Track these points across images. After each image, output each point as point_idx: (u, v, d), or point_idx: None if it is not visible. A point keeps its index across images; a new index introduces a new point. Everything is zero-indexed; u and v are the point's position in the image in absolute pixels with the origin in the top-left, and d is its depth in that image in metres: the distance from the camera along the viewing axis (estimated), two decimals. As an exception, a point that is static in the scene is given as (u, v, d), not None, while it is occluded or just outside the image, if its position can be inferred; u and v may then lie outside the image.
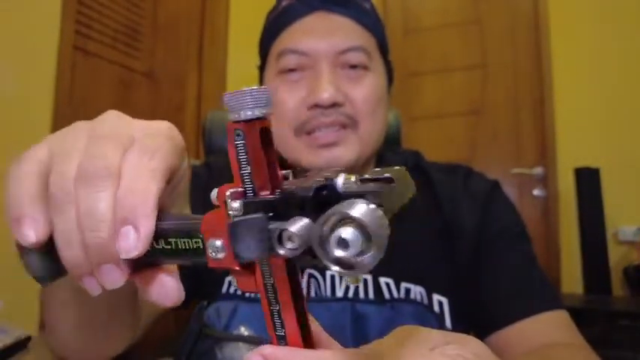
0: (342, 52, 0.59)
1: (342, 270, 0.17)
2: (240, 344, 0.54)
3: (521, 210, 0.67)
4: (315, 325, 0.24)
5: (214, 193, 0.22)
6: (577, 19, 2.19)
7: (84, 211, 0.22)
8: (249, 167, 0.20)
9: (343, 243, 0.16)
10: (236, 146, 0.20)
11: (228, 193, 0.21)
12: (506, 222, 0.62)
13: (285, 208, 0.19)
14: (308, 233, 0.18)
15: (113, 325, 0.43)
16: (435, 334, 0.25)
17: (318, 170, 0.21)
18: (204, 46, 2.18)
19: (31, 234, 0.23)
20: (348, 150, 0.59)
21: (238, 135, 0.20)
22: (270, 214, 0.20)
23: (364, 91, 0.60)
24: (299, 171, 0.22)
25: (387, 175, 0.19)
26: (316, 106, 0.58)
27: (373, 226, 0.16)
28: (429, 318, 0.55)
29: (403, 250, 0.58)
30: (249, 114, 0.19)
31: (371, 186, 0.18)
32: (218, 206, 0.21)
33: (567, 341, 0.53)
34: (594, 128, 2.10)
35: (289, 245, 0.18)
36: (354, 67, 0.60)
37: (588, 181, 1.88)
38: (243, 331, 0.55)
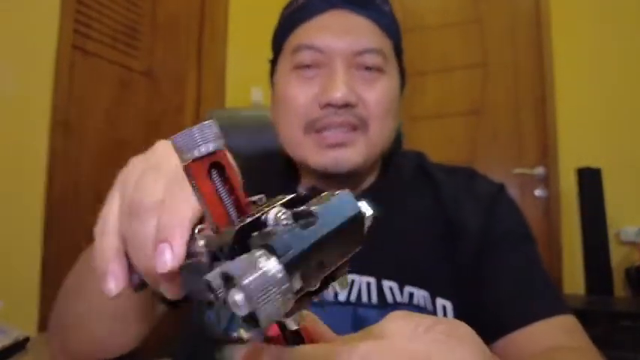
0: (358, 53, 0.59)
1: (247, 326, 0.17)
2: (240, 347, 0.54)
3: (523, 210, 0.66)
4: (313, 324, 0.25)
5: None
6: (578, 18, 2.19)
7: (139, 241, 0.27)
8: (205, 205, 0.20)
9: (235, 305, 0.16)
10: (192, 186, 0.20)
11: (196, 231, 0.22)
12: (511, 224, 0.62)
13: (224, 247, 0.19)
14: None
15: (136, 317, 0.47)
16: (425, 317, 0.24)
17: (275, 197, 0.21)
18: (203, 45, 2.17)
19: (112, 288, 0.28)
20: (356, 152, 0.58)
21: (189, 175, 0.20)
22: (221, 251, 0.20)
23: (377, 93, 0.59)
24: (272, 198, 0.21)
25: (312, 209, 0.18)
26: (328, 105, 0.57)
27: (257, 293, 0.16)
28: None
29: (407, 253, 0.58)
30: (195, 154, 0.19)
31: (279, 232, 0.18)
32: None
33: (575, 345, 0.52)
34: (596, 128, 2.10)
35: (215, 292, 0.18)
36: (368, 68, 0.59)
37: (590, 181, 1.87)
38: (243, 333, 0.54)
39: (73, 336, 0.49)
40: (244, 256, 0.17)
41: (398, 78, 0.65)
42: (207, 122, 0.20)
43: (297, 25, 0.62)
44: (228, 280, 0.17)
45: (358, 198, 0.21)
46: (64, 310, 0.49)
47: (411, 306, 0.55)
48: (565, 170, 2.09)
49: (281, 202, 0.20)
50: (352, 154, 0.58)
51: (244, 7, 2.29)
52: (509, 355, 0.54)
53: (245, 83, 2.26)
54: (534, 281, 0.58)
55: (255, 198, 0.21)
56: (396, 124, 0.64)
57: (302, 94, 0.59)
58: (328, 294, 0.56)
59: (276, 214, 0.19)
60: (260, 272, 0.16)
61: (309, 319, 0.25)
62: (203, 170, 0.20)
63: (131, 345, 0.50)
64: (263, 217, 0.19)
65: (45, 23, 1.46)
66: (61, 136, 1.50)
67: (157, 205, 0.27)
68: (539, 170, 2.19)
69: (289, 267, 0.17)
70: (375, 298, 0.55)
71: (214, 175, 0.20)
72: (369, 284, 0.56)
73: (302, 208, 0.19)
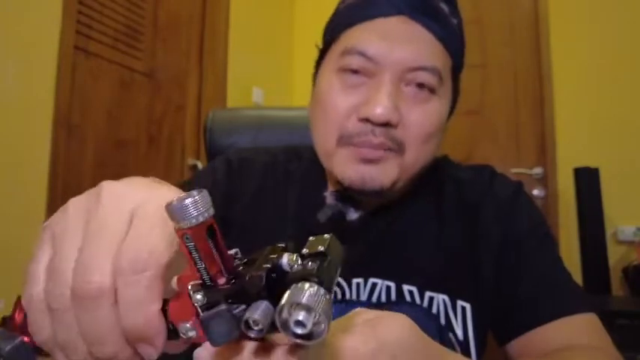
0: (412, 69, 0.54)
1: (304, 341, 0.21)
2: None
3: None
4: None
5: (174, 280, 0.25)
6: (577, 19, 2.20)
7: (86, 330, 0.24)
8: (202, 263, 0.23)
9: (301, 324, 0.21)
10: (187, 247, 0.23)
11: (189, 287, 0.23)
12: (529, 224, 0.61)
13: (242, 294, 0.23)
14: (270, 315, 0.22)
15: None
16: (362, 315, 0.25)
17: (263, 251, 0.25)
18: (204, 46, 2.19)
19: (38, 339, 0.26)
20: (386, 172, 0.54)
21: (187, 239, 0.22)
22: (229, 300, 0.23)
23: (422, 116, 0.54)
24: (250, 258, 0.25)
25: (320, 250, 0.24)
26: (367, 120, 0.53)
27: (318, 307, 0.21)
28: (428, 323, 0.55)
29: (427, 258, 0.58)
30: (194, 222, 0.22)
31: (310, 266, 0.23)
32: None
33: (594, 344, 0.51)
34: (594, 128, 2.11)
35: (256, 328, 0.22)
36: (420, 85, 0.54)
37: (587, 180, 1.89)
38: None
39: None
40: (294, 288, 0.22)
41: (449, 101, 0.60)
42: (200, 192, 0.22)
43: (353, 23, 0.57)
44: (285, 309, 0.21)
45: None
46: None
47: (412, 305, 0.56)
48: (563, 170, 2.10)
49: (271, 255, 0.24)
50: (382, 173, 0.54)
51: (245, 8, 2.30)
52: (526, 353, 0.54)
53: (246, 83, 2.27)
54: (553, 280, 0.57)
55: (232, 252, 0.25)
56: (436, 148, 0.59)
57: (343, 102, 0.55)
58: (351, 296, 0.56)
59: (288, 258, 0.24)
60: (316, 292, 0.21)
61: None
62: (202, 234, 0.23)
63: None
64: (277, 263, 0.24)
65: (47, 24, 1.47)
66: (63, 137, 1.52)
67: (105, 291, 0.23)
68: (537, 170, 2.20)
69: (330, 290, 0.22)
70: (384, 300, 0.56)
71: (208, 237, 0.23)
72: (388, 288, 0.56)
73: (308, 251, 0.24)
